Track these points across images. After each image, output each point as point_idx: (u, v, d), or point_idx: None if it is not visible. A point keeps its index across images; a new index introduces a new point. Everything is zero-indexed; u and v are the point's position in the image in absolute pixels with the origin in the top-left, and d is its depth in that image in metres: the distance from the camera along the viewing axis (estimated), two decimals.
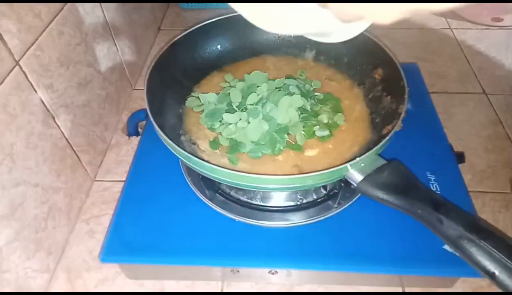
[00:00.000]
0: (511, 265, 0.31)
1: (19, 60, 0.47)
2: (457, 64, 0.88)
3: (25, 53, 0.48)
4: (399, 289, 0.53)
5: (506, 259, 0.31)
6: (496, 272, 0.31)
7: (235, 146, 0.49)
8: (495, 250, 0.32)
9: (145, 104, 0.48)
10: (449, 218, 0.35)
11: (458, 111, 0.77)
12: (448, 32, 0.97)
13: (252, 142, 0.49)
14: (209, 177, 0.44)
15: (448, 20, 1.00)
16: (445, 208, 0.36)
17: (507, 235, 0.36)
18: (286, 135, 0.50)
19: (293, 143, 0.50)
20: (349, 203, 0.51)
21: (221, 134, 0.51)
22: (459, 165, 0.60)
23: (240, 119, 0.50)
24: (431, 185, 0.53)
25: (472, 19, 0.97)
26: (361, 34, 0.56)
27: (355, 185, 0.41)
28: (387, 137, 0.42)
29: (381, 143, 0.41)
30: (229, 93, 0.54)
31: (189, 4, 1.04)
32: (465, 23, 0.99)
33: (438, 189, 0.52)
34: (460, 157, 0.59)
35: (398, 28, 0.98)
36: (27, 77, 0.48)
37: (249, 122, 0.50)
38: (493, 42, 0.93)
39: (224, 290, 0.53)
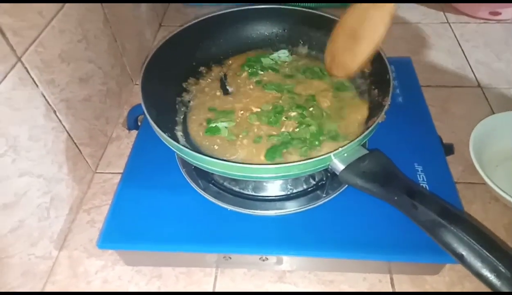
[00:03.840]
0: (477, 247, 0.33)
1: (21, 56, 0.49)
2: (453, 58, 0.88)
3: (27, 50, 0.50)
4: (387, 276, 0.55)
5: (473, 241, 0.33)
6: (464, 254, 0.33)
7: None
8: (463, 234, 0.33)
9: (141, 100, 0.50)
10: (422, 204, 0.36)
11: (453, 105, 0.78)
12: (446, 27, 0.97)
13: None
14: (199, 167, 0.46)
15: (446, 14, 1.00)
16: (419, 195, 0.38)
17: (475, 220, 0.38)
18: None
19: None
20: (337, 193, 0.53)
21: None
22: (451, 156, 0.62)
23: None
24: (418, 175, 0.54)
25: (470, 13, 0.98)
26: None
27: (337, 173, 0.43)
28: (370, 129, 0.44)
29: (363, 135, 0.43)
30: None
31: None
32: (463, 17, 0.99)
33: (425, 180, 0.54)
34: (449, 149, 0.60)
35: (395, 23, 0.99)
36: (29, 73, 0.51)
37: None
38: (490, 36, 0.93)
39: (218, 276, 0.55)
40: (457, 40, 0.93)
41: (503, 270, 0.32)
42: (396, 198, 0.39)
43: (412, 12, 1.02)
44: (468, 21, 0.98)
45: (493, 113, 0.74)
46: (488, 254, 0.32)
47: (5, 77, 0.46)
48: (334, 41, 0.57)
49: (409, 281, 0.54)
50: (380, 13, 0.51)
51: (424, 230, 0.37)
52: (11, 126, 0.48)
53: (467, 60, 0.87)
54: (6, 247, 0.48)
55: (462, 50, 0.90)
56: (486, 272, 0.32)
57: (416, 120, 0.62)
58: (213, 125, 0.54)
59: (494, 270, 0.32)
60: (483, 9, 0.96)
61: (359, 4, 0.53)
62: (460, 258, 0.33)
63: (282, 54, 0.64)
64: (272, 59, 0.63)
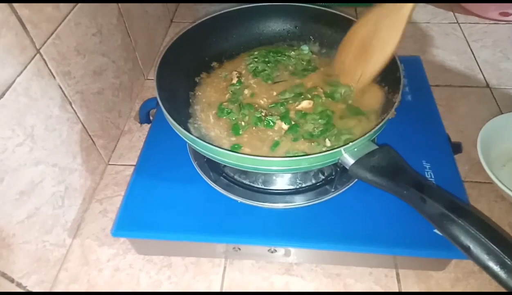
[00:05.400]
0: (484, 240, 0.33)
1: (39, 48, 0.51)
2: (462, 58, 0.89)
3: (45, 42, 0.52)
4: (393, 270, 0.55)
5: (479, 234, 0.34)
6: (471, 246, 0.34)
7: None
8: (470, 226, 0.34)
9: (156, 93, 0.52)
10: (431, 197, 0.37)
11: (461, 104, 0.78)
12: (455, 27, 0.97)
13: None
14: (212, 159, 0.47)
15: (456, 15, 1.01)
16: (428, 189, 0.39)
17: (481, 213, 0.39)
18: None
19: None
20: (346, 188, 0.54)
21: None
22: (458, 155, 0.62)
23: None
24: (426, 173, 0.55)
25: (480, 13, 0.98)
26: None
27: (347, 167, 0.44)
28: (380, 125, 0.45)
29: (373, 130, 0.44)
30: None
31: None
32: (472, 17, 1.00)
33: (433, 177, 0.55)
34: (457, 147, 0.61)
35: None
36: (46, 65, 0.52)
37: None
38: (499, 37, 0.93)
39: (227, 267, 0.57)
40: (466, 40, 0.93)
41: (508, 262, 0.33)
42: (405, 191, 0.39)
43: (422, 12, 1.03)
44: (478, 21, 0.98)
45: (501, 113, 0.74)
46: (494, 247, 0.33)
47: (25, 68, 0.48)
48: (345, 51, 0.57)
49: (414, 276, 0.55)
50: (393, 24, 0.49)
51: (432, 223, 0.38)
52: (29, 116, 0.50)
53: (476, 60, 0.88)
54: (23, 233, 0.50)
55: (471, 50, 0.90)
56: (492, 264, 0.33)
57: (425, 118, 0.63)
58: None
59: (500, 262, 0.33)
60: (493, 10, 0.96)
61: (371, 14, 0.52)
62: (467, 251, 0.34)
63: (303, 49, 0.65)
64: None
